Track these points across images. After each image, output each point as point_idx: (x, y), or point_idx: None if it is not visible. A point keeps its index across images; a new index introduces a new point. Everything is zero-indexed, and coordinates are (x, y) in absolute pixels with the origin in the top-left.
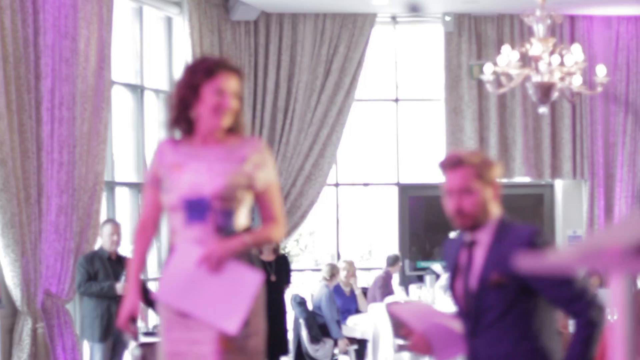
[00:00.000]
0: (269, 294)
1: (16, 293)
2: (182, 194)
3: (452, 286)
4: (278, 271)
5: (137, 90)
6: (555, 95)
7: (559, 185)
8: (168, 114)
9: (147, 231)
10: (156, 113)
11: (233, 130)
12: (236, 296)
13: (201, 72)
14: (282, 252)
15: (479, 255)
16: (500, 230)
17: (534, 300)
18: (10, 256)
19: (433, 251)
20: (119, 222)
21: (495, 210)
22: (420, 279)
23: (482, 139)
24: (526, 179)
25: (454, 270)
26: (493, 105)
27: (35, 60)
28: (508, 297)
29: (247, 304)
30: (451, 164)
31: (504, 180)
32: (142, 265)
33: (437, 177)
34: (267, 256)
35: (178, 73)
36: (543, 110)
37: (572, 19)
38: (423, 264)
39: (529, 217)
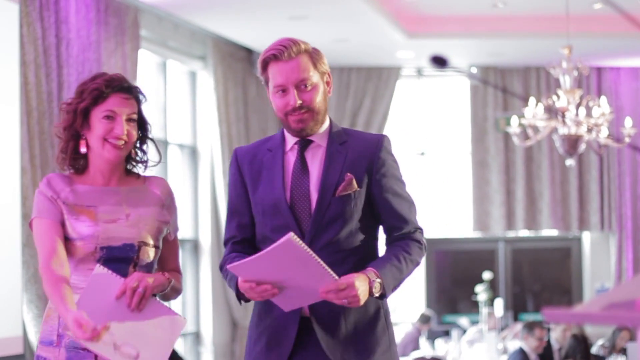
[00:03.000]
0: None
1: None
2: (100, 242)
3: (270, 199)
4: None
5: (161, 144)
6: (582, 147)
7: (586, 238)
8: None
9: (60, 259)
10: (180, 167)
11: (132, 163)
12: (156, 342)
13: (88, 93)
14: None
15: (317, 160)
16: (335, 133)
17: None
18: (33, 312)
19: (459, 305)
20: None
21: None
22: (446, 333)
23: (508, 192)
24: (553, 232)
25: (267, 180)
26: (519, 158)
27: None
28: (353, 208)
29: (168, 353)
30: (288, 53)
31: (532, 234)
32: (69, 290)
33: (464, 231)
34: None
35: (202, 127)
36: (570, 162)
37: (599, 70)
38: (449, 318)
39: (556, 270)
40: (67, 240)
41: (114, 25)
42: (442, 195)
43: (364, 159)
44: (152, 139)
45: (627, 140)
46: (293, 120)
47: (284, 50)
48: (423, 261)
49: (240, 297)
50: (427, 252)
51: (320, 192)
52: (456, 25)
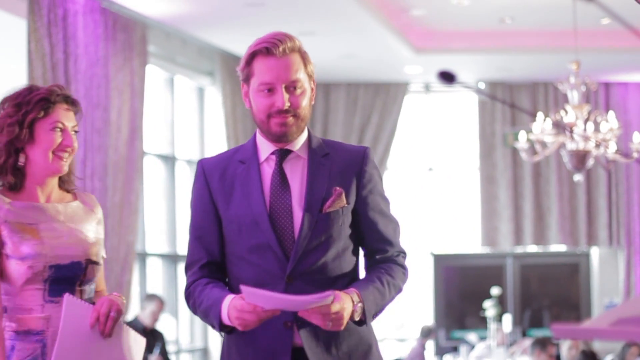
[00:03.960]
0: None
1: None
2: (48, 260)
3: (248, 215)
4: None
5: (169, 160)
6: (590, 162)
7: (595, 253)
8: None
9: None
10: (188, 183)
11: (64, 177)
12: None
13: (34, 104)
14: None
15: (298, 173)
16: (316, 144)
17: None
18: None
19: (468, 321)
20: (164, 299)
21: None
22: (455, 349)
23: (516, 207)
24: (562, 247)
25: (242, 195)
26: (527, 173)
27: None
28: (341, 226)
29: None
30: (283, 48)
31: (540, 249)
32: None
33: (472, 247)
34: None
35: (210, 143)
36: (578, 177)
37: (607, 85)
38: (458, 333)
39: (565, 286)
40: (9, 259)
41: (122, 41)
42: (450, 210)
43: (349, 173)
44: None
45: (635, 155)
46: (276, 122)
47: (278, 45)
48: (431, 277)
49: (223, 327)
50: (435, 267)
51: (306, 209)
52: (464, 41)
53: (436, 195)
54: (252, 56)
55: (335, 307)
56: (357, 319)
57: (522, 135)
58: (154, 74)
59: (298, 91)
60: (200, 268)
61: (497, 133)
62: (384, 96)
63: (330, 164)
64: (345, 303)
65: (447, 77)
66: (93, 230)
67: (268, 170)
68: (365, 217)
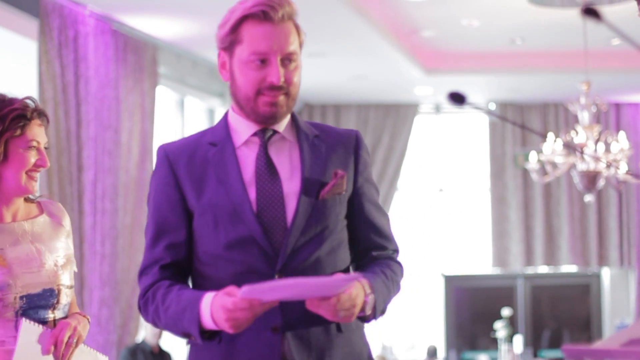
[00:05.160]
0: None
1: None
2: (19, 291)
3: (227, 203)
4: None
5: None
6: (601, 183)
7: (606, 274)
8: None
9: None
10: None
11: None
12: None
13: (10, 122)
14: None
15: (285, 156)
16: (303, 124)
17: None
18: None
19: (479, 342)
20: None
21: None
22: None
23: (527, 228)
24: (573, 268)
25: (218, 183)
26: (538, 194)
27: (78, 152)
28: (338, 215)
29: None
30: (281, 13)
31: (551, 270)
32: None
33: (483, 268)
34: None
35: None
36: (589, 198)
37: (618, 106)
38: (469, 355)
39: (575, 306)
40: None
41: (133, 63)
42: (461, 231)
43: (345, 157)
44: None
45: None
46: (265, 102)
47: (277, 9)
48: (442, 297)
49: (203, 332)
50: (446, 288)
51: (301, 194)
52: (474, 62)
53: (447, 216)
54: (242, 20)
55: (354, 292)
56: (368, 312)
57: (533, 156)
58: (165, 96)
59: (292, 65)
60: (161, 269)
61: (508, 154)
62: (394, 117)
63: (324, 146)
64: (359, 289)
65: (457, 99)
66: (63, 247)
67: (249, 154)
68: (361, 209)
